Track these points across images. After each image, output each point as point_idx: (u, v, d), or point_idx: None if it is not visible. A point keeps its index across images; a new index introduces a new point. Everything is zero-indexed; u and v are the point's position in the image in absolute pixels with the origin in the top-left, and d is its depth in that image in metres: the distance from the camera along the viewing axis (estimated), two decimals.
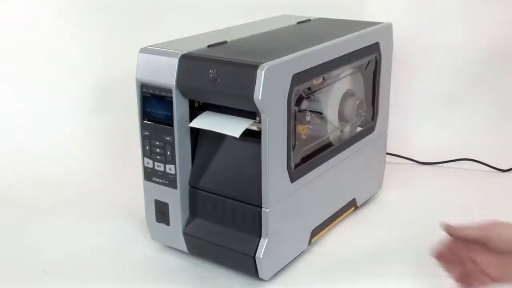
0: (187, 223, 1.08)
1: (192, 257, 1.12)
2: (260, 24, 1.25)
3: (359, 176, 1.25)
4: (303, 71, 1.00)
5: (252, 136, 0.99)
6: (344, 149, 1.18)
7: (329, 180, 1.14)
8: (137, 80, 1.04)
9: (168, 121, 1.02)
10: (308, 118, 1.08)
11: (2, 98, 1.65)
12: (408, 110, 1.63)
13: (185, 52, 1.00)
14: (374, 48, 1.20)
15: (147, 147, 1.06)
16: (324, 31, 1.19)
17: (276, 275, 1.06)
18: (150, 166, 1.06)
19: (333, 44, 1.08)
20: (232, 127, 0.98)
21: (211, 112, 1.02)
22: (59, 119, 1.65)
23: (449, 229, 0.89)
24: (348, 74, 1.18)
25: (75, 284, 1.06)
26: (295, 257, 1.10)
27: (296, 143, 1.04)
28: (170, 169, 1.04)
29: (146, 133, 1.05)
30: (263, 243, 1.00)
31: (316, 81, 1.08)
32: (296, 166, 1.04)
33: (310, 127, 1.09)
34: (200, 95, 1.01)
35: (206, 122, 1.01)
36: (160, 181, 1.06)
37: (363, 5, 1.59)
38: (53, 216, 1.28)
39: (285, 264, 1.07)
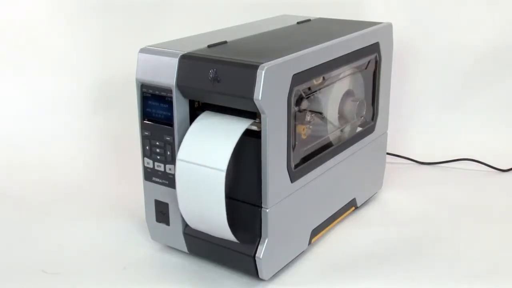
0: (187, 223, 1.07)
1: (192, 257, 1.12)
2: (260, 24, 1.25)
3: (359, 176, 1.25)
4: (303, 71, 1.00)
5: (252, 136, 0.99)
6: (344, 149, 1.18)
7: (329, 180, 1.14)
8: (137, 80, 1.04)
9: (168, 121, 1.02)
10: (308, 118, 1.08)
11: (1, 98, 1.65)
12: (408, 110, 1.63)
13: (185, 52, 1.00)
14: (374, 48, 1.20)
15: (147, 147, 1.06)
16: (324, 31, 1.19)
17: (276, 275, 1.06)
18: (150, 166, 1.07)
19: (333, 44, 1.08)
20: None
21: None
22: (59, 119, 1.65)
23: None
24: (348, 74, 1.18)
25: (75, 284, 1.05)
26: (295, 257, 1.10)
27: (296, 143, 1.04)
28: (170, 169, 1.04)
29: (146, 133, 1.05)
30: (263, 243, 1.00)
31: (316, 81, 1.08)
32: (296, 166, 1.04)
33: (310, 127, 1.09)
34: (200, 95, 1.01)
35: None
36: (160, 181, 1.06)
37: (363, 5, 1.59)
38: (53, 216, 1.28)
39: (285, 264, 1.07)
